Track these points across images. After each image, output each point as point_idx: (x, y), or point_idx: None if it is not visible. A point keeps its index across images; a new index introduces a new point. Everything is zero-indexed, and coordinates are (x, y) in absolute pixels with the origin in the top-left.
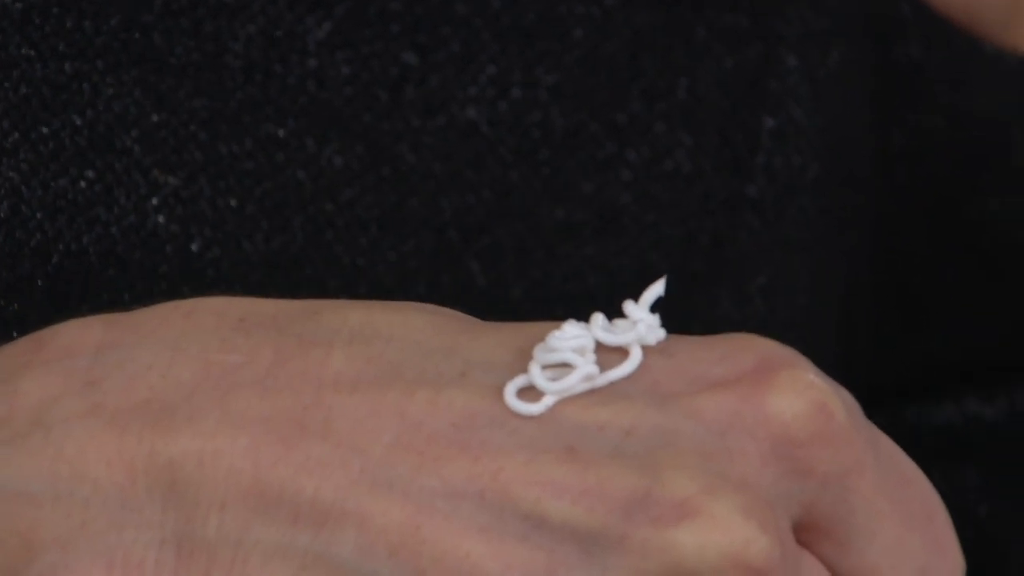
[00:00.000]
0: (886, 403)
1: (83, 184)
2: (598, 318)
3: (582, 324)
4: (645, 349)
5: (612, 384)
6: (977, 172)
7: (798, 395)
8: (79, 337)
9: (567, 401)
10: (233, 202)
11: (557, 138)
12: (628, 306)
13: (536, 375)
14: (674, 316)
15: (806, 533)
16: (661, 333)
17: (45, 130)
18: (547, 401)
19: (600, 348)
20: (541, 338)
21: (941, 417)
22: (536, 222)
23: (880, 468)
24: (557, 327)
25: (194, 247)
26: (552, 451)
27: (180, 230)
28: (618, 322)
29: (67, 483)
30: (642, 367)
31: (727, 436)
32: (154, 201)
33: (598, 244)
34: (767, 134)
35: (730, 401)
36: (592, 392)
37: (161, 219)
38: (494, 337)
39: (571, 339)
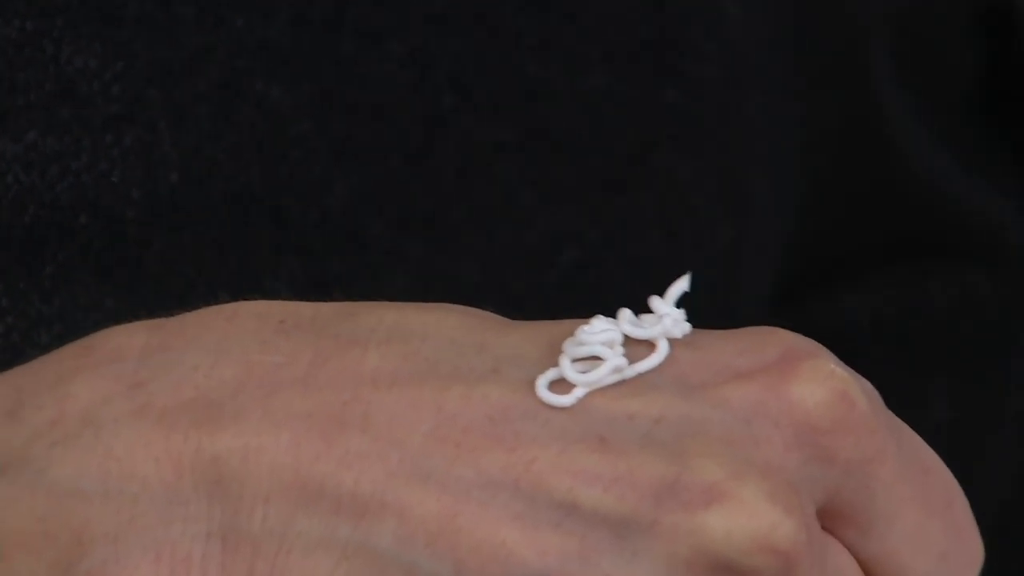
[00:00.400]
0: (795, 296)
1: (51, 137)
2: (625, 313)
3: (610, 319)
4: (671, 342)
5: (640, 376)
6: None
7: (820, 384)
8: (125, 342)
9: (597, 393)
10: (192, 144)
11: (487, 64)
12: (654, 301)
13: (567, 368)
14: (602, 216)
15: (829, 519)
16: (687, 327)
17: (11, 87)
18: (578, 393)
19: (628, 342)
20: (570, 333)
21: (847, 308)
22: (472, 143)
23: (901, 456)
24: (586, 322)
25: (160, 191)
26: (583, 441)
27: (145, 175)
28: (644, 317)
29: (117, 481)
30: (669, 359)
31: (752, 424)
32: (119, 149)
33: (530, 161)
34: (688, 42)
35: (754, 390)
36: (621, 384)
37: (127, 166)
38: (524, 333)
39: (600, 333)
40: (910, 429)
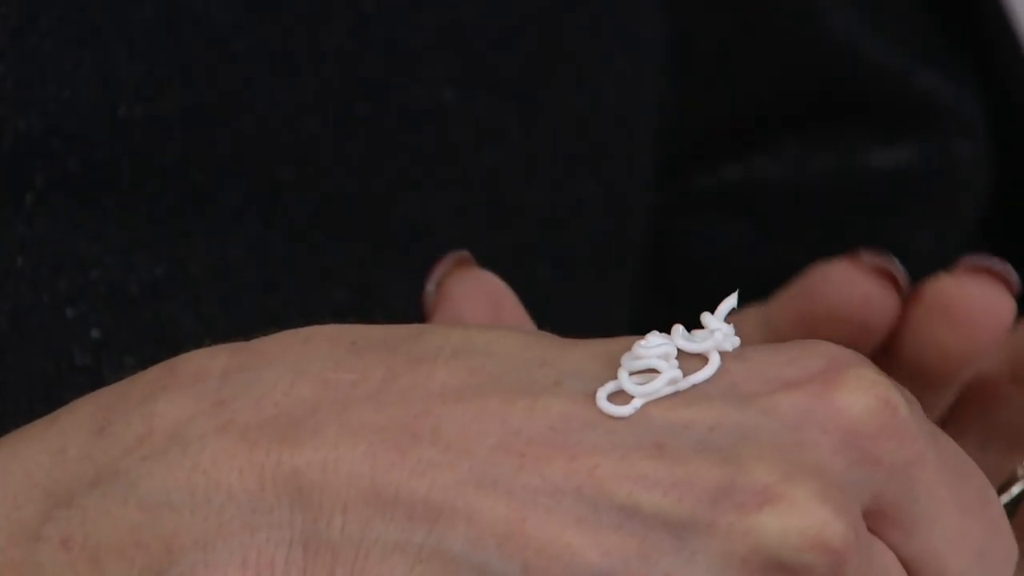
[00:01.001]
0: (678, 169)
1: (19, 69)
2: (679, 329)
3: (664, 335)
4: (722, 355)
5: (694, 387)
6: None
7: (864, 392)
8: (207, 363)
9: (654, 403)
10: (143, 67)
11: None
12: (706, 317)
13: (625, 380)
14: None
15: (874, 521)
16: (736, 341)
17: None
18: (636, 403)
19: (681, 355)
20: (627, 348)
21: (726, 176)
22: (396, 50)
23: (940, 460)
24: (642, 338)
25: (120, 114)
26: (642, 448)
27: (106, 100)
28: (696, 332)
29: (203, 492)
30: (721, 371)
31: (801, 430)
32: (80, 77)
33: (450, 62)
34: None
35: (802, 399)
36: (676, 394)
37: (89, 92)
38: (583, 349)
39: (655, 347)
40: (947, 435)
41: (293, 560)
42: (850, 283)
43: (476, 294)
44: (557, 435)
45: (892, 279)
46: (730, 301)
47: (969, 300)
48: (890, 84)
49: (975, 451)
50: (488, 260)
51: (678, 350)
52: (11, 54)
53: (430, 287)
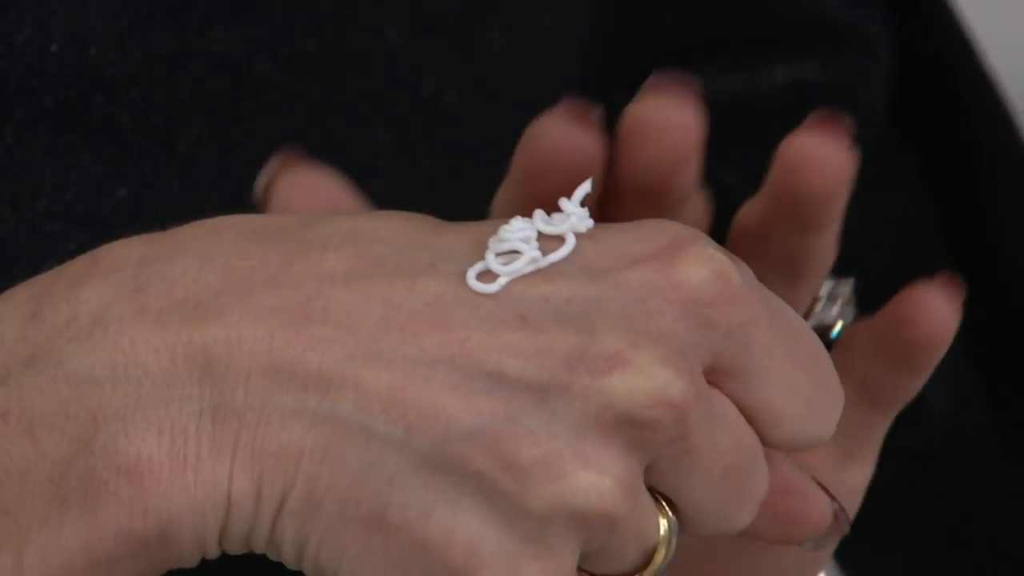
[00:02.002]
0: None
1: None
2: (539, 213)
3: (526, 219)
4: (577, 236)
5: (553, 265)
6: None
7: (702, 266)
8: (125, 253)
9: (517, 281)
10: (112, 15)
11: None
12: (563, 202)
13: (491, 261)
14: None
15: (715, 376)
16: (590, 223)
17: None
18: (501, 281)
19: (541, 237)
20: (494, 232)
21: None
22: None
23: (772, 320)
24: (506, 223)
25: (91, 57)
26: (507, 321)
27: (77, 44)
28: (555, 215)
29: (123, 369)
30: (576, 250)
31: (647, 301)
32: (54, 25)
33: (392, 5)
34: None
35: (648, 273)
36: (537, 272)
37: (63, 37)
38: (456, 234)
39: (518, 231)
40: (780, 299)
41: (203, 427)
42: (553, 132)
43: (306, 189)
44: (433, 312)
45: (590, 121)
46: (585, 187)
47: (655, 111)
48: (799, 11)
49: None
50: (428, 181)
51: (538, 232)
52: None
53: (259, 183)
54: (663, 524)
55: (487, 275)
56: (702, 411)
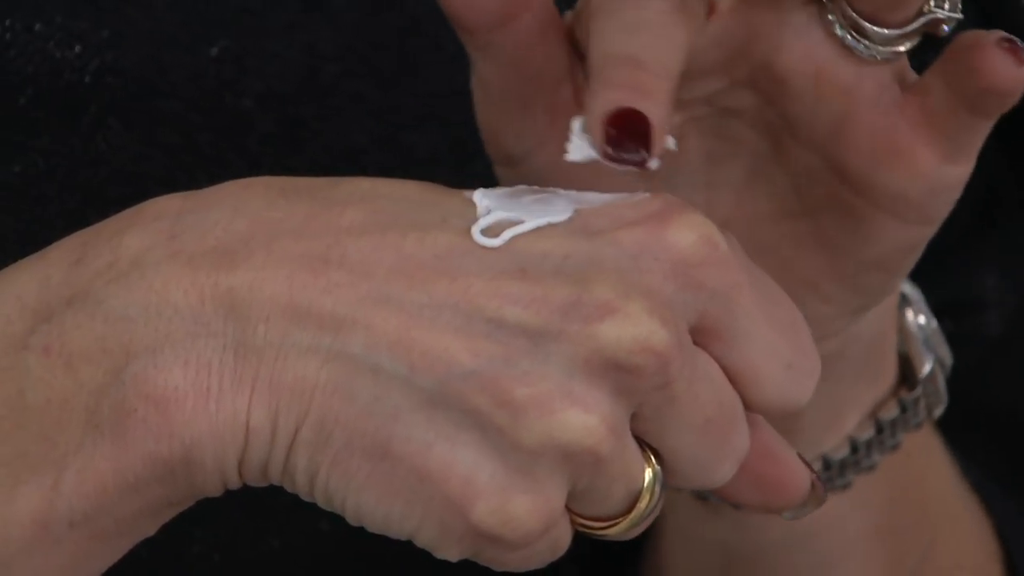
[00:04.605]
0: None
1: (35, 27)
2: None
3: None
4: (576, 203)
5: (552, 224)
6: None
7: (691, 230)
8: (166, 205)
9: (519, 237)
10: (180, 20)
11: None
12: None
13: (496, 217)
14: None
15: (700, 336)
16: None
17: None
18: (505, 236)
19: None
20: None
21: None
22: None
23: (754, 287)
24: (512, 188)
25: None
26: (508, 272)
27: (144, 49)
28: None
29: (155, 307)
30: (575, 213)
31: (639, 259)
32: (123, 30)
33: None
34: None
35: (641, 234)
36: (538, 230)
37: (130, 42)
38: (466, 196)
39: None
40: (762, 270)
41: (225, 362)
42: None
43: None
44: (441, 261)
45: None
46: (576, 123)
47: None
48: None
49: None
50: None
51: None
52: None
53: None
54: (648, 473)
55: (492, 230)
56: (685, 362)
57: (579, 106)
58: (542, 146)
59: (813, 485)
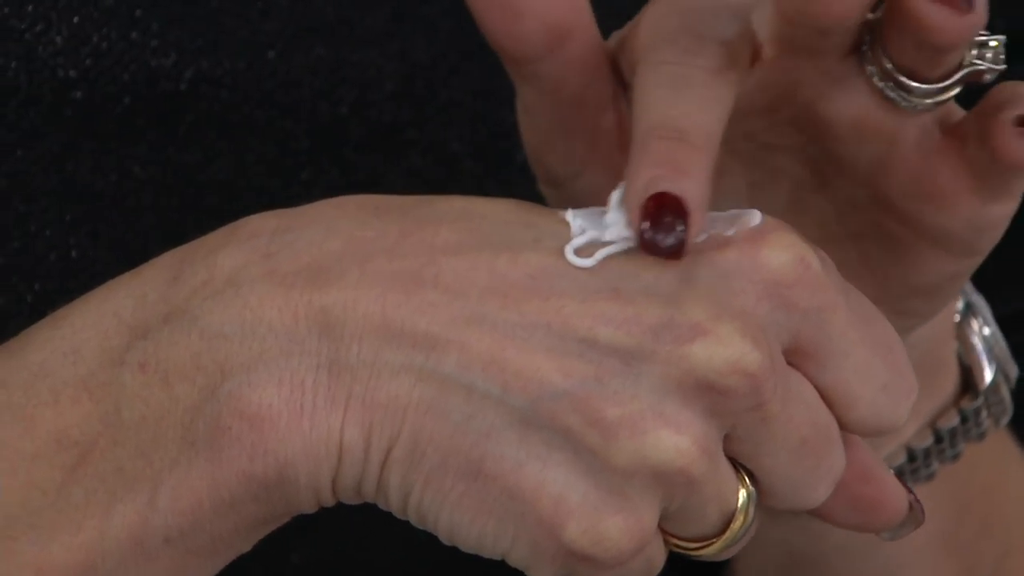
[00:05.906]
0: None
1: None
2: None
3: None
4: None
5: None
6: None
7: (784, 250)
8: (261, 224)
9: (612, 258)
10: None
11: None
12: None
13: (590, 238)
14: None
15: (794, 356)
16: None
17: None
18: (598, 256)
19: None
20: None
21: None
22: None
23: (849, 307)
24: (604, 207)
25: (268, 56)
26: (601, 292)
27: (244, 57)
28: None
29: (250, 325)
30: None
31: (731, 280)
32: (219, 40)
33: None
34: None
35: (733, 255)
36: (630, 250)
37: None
38: (559, 215)
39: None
40: (857, 289)
41: (319, 380)
42: None
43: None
44: (534, 281)
45: None
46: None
47: None
48: None
49: None
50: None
51: None
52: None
53: None
54: (742, 493)
55: (585, 251)
56: (778, 383)
57: (621, 134)
58: (586, 169)
59: (911, 506)
